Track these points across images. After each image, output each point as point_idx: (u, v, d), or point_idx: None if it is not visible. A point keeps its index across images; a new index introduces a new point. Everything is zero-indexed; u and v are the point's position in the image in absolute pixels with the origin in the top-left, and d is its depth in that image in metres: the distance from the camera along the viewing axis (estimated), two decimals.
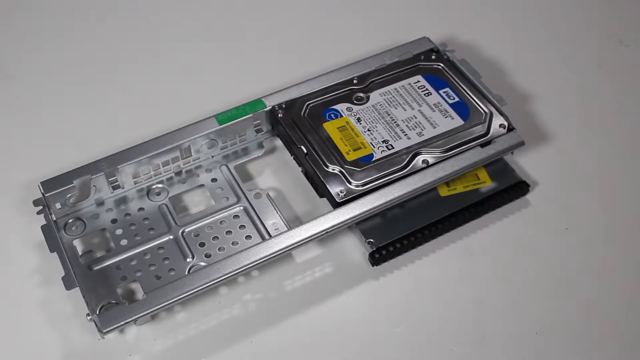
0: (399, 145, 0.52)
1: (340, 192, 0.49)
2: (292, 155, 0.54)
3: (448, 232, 0.52)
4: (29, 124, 0.59)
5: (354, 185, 0.50)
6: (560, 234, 0.53)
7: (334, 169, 0.50)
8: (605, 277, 0.51)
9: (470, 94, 0.55)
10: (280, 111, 0.54)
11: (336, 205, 0.49)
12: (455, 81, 0.56)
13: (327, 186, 0.50)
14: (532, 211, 0.54)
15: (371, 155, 0.51)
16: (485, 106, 0.54)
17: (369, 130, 0.53)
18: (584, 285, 0.50)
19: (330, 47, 0.65)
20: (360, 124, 0.53)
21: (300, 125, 0.53)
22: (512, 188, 0.53)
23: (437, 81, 0.56)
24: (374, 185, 0.50)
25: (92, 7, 0.68)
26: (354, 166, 0.51)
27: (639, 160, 0.57)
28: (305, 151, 0.51)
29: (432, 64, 0.57)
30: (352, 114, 0.54)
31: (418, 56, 0.58)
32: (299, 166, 0.54)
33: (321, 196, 0.52)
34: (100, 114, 0.59)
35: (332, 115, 0.53)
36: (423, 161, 0.51)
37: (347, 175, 0.50)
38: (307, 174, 0.53)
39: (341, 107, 0.54)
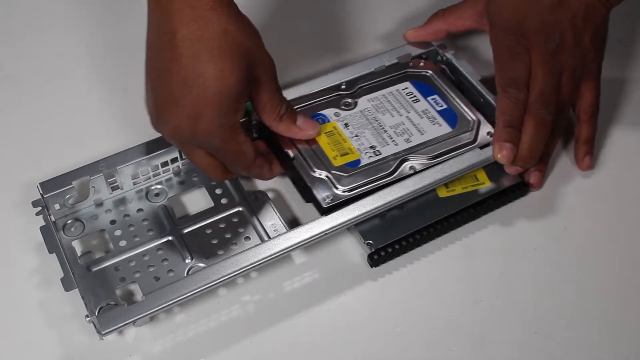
0: (387, 151, 0.51)
1: (327, 197, 0.49)
2: (278, 160, 0.53)
3: (447, 233, 0.52)
4: (28, 124, 0.59)
5: (341, 190, 0.49)
6: (559, 234, 0.53)
7: (320, 174, 0.50)
8: (604, 277, 0.51)
9: (458, 101, 0.55)
10: None
11: (322, 210, 0.49)
12: (444, 88, 0.56)
13: (314, 191, 0.49)
14: (532, 211, 0.54)
15: (358, 161, 0.51)
16: (474, 114, 0.54)
17: (357, 136, 0.52)
18: (583, 285, 0.50)
19: (329, 47, 0.64)
20: (348, 129, 0.53)
21: None
22: (511, 189, 0.53)
23: (425, 88, 0.56)
24: (361, 190, 0.49)
25: (91, 8, 0.67)
26: (341, 171, 0.50)
27: (638, 159, 0.57)
28: (292, 155, 0.51)
29: (420, 71, 0.57)
30: (340, 120, 0.53)
31: (406, 63, 0.58)
32: (285, 170, 0.53)
33: (307, 201, 0.52)
34: (100, 115, 0.59)
35: (320, 120, 0.53)
36: (410, 167, 0.51)
37: (333, 181, 0.50)
38: (293, 179, 0.53)
39: (329, 112, 0.54)
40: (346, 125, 0.53)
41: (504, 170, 0.53)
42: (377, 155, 0.51)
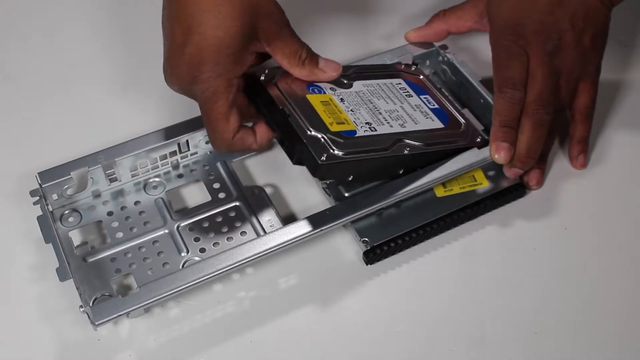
0: (382, 130, 0.50)
1: (323, 154, 0.46)
2: (266, 121, 0.50)
3: (444, 232, 0.52)
4: (27, 117, 0.59)
5: (336, 152, 0.47)
6: (559, 234, 0.52)
7: (316, 134, 0.47)
8: (604, 277, 0.50)
9: (450, 106, 0.54)
10: (263, 74, 0.50)
11: (316, 168, 0.46)
12: (435, 92, 0.55)
13: (309, 147, 0.46)
14: (531, 211, 0.53)
15: (354, 132, 0.49)
16: (464, 119, 0.54)
17: (352, 111, 0.51)
18: (583, 285, 0.49)
19: (330, 47, 0.64)
20: (344, 104, 0.51)
21: (282, 89, 0.50)
22: (509, 190, 0.53)
23: (418, 88, 0.55)
24: (357, 157, 0.47)
25: (89, 7, 0.68)
26: (337, 137, 0.48)
27: (638, 158, 0.57)
28: (287, 112, 0.48)
29: (412, 74, 0.57)
30: (336, 94, 0.52)
31: (398, 65, 0.57)
32: (274, 131, 0.50)
33: (296, 163, 0.49)
34: (99, 107, 0.59)
35: (316, 90, 0.51)
36: (406, 147, 0.49)
37: (329, 143, 0.47)
38: (282, 140, 0.50)
39: (325, 85, 0.52)
40: (342, 100, 0.51)
41: (503, 172, 0.52)
42: (372, 131, 0.50)
